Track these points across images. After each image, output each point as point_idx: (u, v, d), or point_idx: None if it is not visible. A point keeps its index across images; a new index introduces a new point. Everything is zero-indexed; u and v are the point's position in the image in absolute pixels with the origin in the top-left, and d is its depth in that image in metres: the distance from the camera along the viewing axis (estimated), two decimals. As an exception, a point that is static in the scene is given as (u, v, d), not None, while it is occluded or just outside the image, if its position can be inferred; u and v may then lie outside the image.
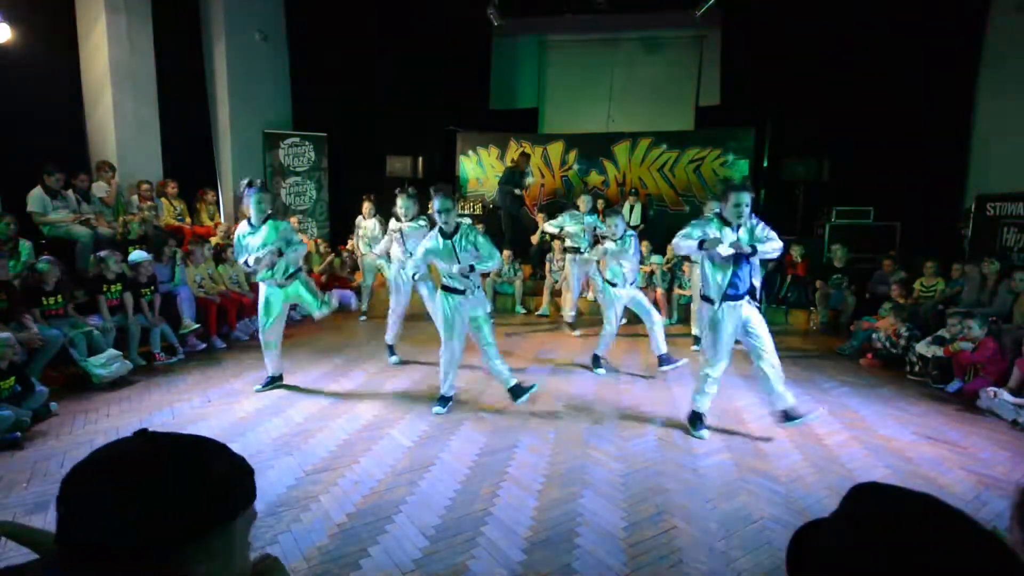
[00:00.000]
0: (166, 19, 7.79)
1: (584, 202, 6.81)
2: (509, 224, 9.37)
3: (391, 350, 5.72)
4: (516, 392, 4.36)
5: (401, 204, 5.32)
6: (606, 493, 3.15)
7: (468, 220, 4.36)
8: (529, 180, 9.49)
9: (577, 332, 6.94)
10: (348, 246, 8.67)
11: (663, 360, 5.26)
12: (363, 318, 7.69)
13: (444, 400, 4.35)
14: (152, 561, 0.67)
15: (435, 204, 4.04)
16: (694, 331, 6.46)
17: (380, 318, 6.95)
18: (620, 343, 6.64)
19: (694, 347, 6.32)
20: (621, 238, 5.13)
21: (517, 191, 9.33)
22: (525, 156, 9.77)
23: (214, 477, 0.73)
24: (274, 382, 4.82)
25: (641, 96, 10.79)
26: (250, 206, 4.48)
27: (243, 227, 4.57)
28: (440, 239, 4.11)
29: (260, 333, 4.76)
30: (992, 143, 7.96)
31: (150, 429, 0.77)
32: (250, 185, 4.50)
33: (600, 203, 9.95)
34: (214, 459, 0.75)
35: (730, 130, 9.99)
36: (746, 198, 3.66)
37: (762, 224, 3.75)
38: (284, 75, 10.08)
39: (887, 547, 0.59)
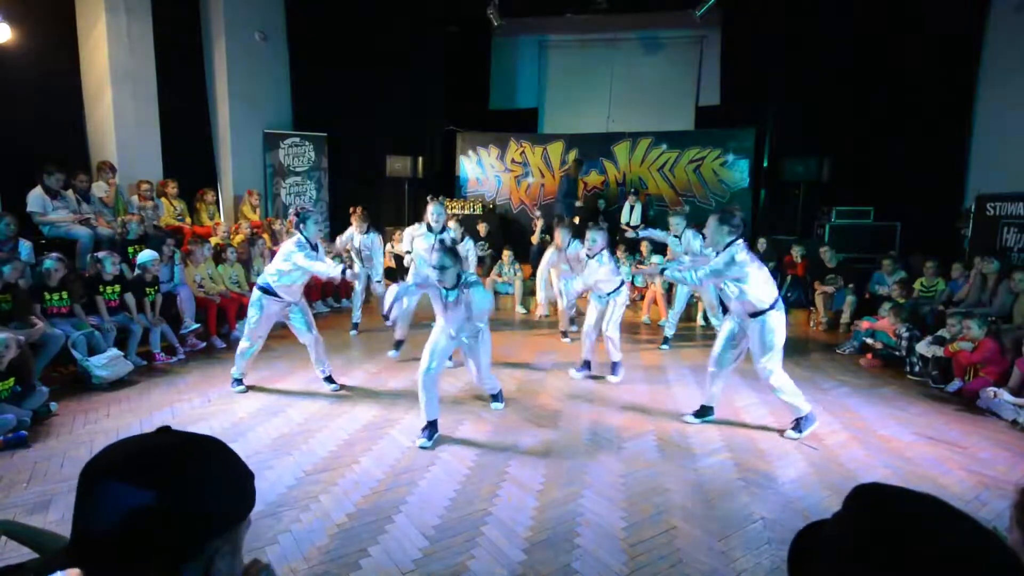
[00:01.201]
0: (166, 19, 7.78)
1: (561, 236, 5.92)
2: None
3: (398, 345, 5.80)
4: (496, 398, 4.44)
5: (433, 211, 5.27)
6: (606, 493, 3.15)
7: (474, 276, 3.98)
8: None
9: (569, 339, 6.59)
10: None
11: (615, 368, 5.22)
12: (354, 332, 6.84)
13: (428, 428, 3.80)
14: (168, 559, 0.67)
15: (433, 260, 3.74)
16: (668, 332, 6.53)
17: (369, 331, 6.96)
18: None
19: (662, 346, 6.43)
20: (598, 254, 4.87)
21: (578, 203, 9.37)
22: (578, 163, 9.54)
23: (234, 477, 0.74)
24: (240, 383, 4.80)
25: (641, 96, 10.80)
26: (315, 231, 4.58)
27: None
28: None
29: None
30: (992, 143, 7.96)
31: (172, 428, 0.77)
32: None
33: (600, 203, 9.99)
34: (231, 460, 0.76)
35: (730, 130, 10.00)
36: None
37: (718, 256, 3.76)
38: (284, 75, 10.08)
39: (890, 548, 0.59)
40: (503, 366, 5.44)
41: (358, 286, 6.96)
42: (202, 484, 0.69)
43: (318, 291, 7.95)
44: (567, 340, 6.55)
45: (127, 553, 0.65)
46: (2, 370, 3.84)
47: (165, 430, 0.75)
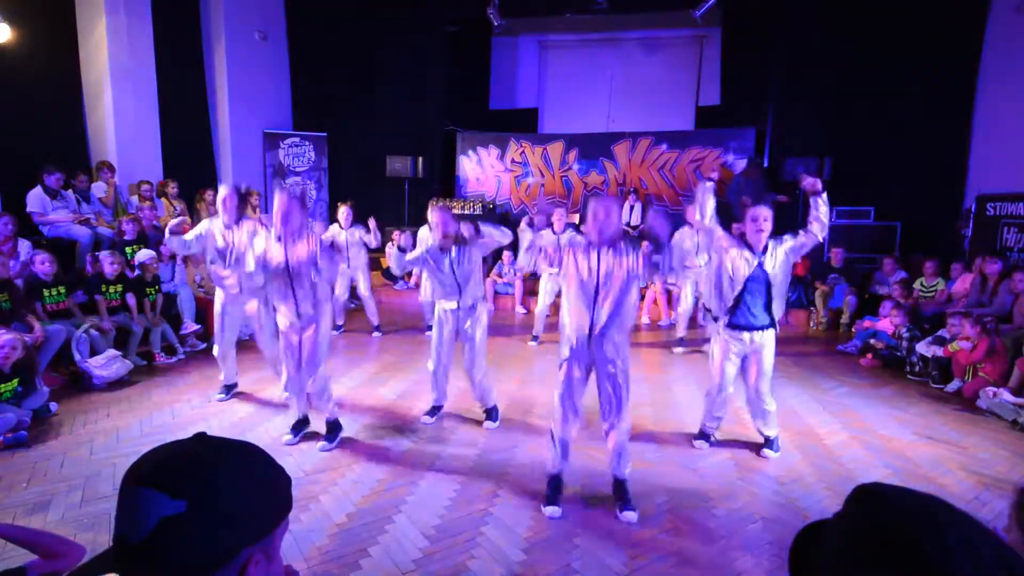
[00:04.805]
0: (166, 19, 7.78)
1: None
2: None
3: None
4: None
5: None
6: (606, 493, 3.15)
7: None
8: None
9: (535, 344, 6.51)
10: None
11: None
12: (336, 332, 6.61)
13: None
14: (200, 568, 0.68)
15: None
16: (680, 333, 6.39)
17: (359, 332, 6.97)
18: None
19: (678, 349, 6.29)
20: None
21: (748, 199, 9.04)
22: (757, 165, 9.18)
23: (268, 485, 0.75)
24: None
25: (641, 96, 10.80)
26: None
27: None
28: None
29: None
30: (992, 143, 7.95)
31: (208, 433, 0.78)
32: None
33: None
34: (265, 467, 0.77)
35: (730, 130, 9.99)
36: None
37: None
38: (284, 75, 10.08)
39: (891, 549, 0.59)
40: (503, 365, 5.44)
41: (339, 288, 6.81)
42: (234, 493, 0.69)
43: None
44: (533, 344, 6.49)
45: (160, 561, 0.66)
46: (6, 371, 3.85)
47: (200, 436, 0.75)
